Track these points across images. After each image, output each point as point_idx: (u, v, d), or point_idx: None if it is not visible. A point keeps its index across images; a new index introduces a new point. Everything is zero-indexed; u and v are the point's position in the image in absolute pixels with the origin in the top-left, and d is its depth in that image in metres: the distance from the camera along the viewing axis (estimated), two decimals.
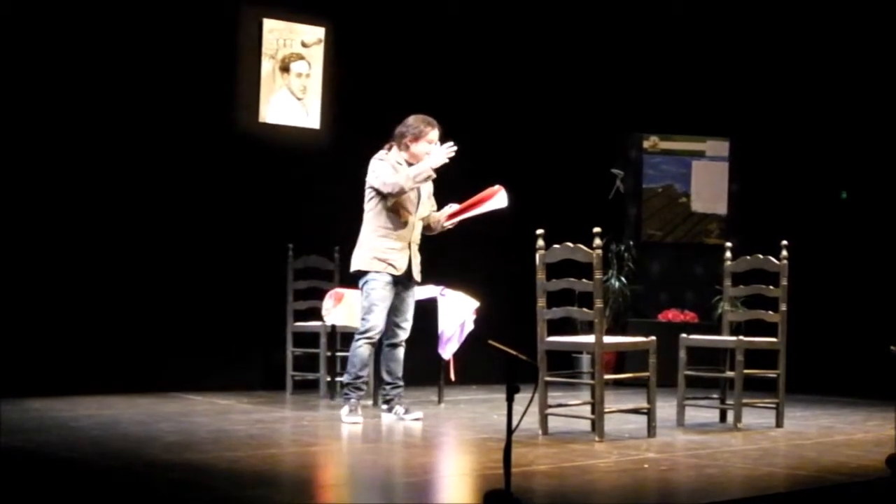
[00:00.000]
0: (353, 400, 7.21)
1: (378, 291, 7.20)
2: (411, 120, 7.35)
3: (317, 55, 9.64)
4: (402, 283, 7.31)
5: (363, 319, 7.26)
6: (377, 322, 7.22)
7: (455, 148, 7.19)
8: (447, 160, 7.19)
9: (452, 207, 7.42)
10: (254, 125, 9.41)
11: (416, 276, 7.37)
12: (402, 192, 7.19)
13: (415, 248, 7.37)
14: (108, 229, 8.66)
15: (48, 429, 6.63)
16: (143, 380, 8.63)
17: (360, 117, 9.78)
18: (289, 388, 8.95)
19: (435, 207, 7.51)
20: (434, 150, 7.21)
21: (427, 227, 7.48)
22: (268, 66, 9.44)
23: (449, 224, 7.48)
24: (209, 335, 8.97)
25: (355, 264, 7.32)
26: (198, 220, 9.04)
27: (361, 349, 7.22)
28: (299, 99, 9.59)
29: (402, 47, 10.05)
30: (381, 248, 7.23)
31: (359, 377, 7.23)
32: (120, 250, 8.71)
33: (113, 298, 8.64)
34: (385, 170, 7.25)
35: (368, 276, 7.24)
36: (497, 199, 7.36)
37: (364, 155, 9.65)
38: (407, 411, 7.39)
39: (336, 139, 9.73)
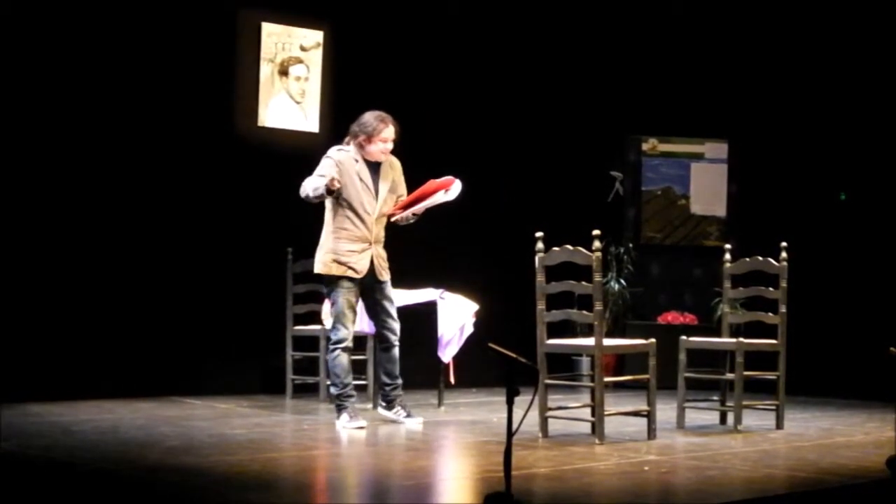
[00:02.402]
0: (348, 408, 7.15)
1: (343, 298, 7.10)
2: (365, 118, 7.19)
3: (315, 59, 9.65)
4: (368, 285, 7.20)
5: (334, 328, 7.17)
6: (349, 328, 7.14)
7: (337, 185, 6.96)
8: (335, 185, 6.92)
9: (403, 199, 7.24)
10: (253, 129, 9.41)
11: (381, 275, 7.22)
12: (306, 199, 7.07)
13: (377, 247, 7.19)
14: (108, 233, 8.66)
15: (48, 433, 6.63)
16: (143, 384, 8.62)
17: None
18: (288, 392, 8.94)
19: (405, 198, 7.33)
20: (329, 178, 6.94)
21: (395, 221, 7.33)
22: (266, 70, 9.44)
23: (405, 215, 7.23)
24: (209, 339, 8.96)
25: (316, 267, 7.22)
26: (197, 224, 9.04)
27: (340, 358, 7.14)
28: (298, 103, 9.59)
29: (400, 50, 10.05)
30: (339, 251, 7.11)
31: (346, 385, 7.16)
32: (120, 254, 8.71)
33: (113, 303, 8.64)
34: (322, 168, 7.10)
35: (331, 282, 7.14)
36: (450, 190, 7.16)
37: None
38: (409, 415, 7.37)
39: (335, 143, 9.70)
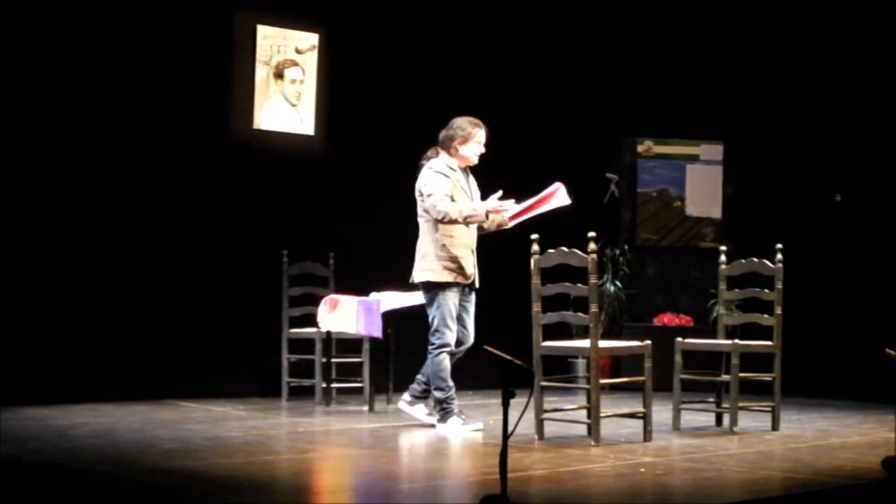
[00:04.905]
0: (456, 411, 7.19)
1: (450, 302, 7.17)
2: (458, 122, 7.28)
3: (311, 61, 9.64)
4: (464, 291, 7.30)
5: (438, 332, 7.18)
6: (452, 333, 7.19)
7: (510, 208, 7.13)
8: (500, 215, 7.14)
9: (514, 207, 7.29)
10: (248, 131, 9.40)
11: (477, 282, 7.35)
12: (450, 222, 7.10)
13: (475, 253, 7.33)
14: (103, 236, 8.66)
15: (44, 437, 6.63)
16: (139, 387, 8.62)
17: (355, 123, 9.79)
18: (284, 395, 8.94)
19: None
20: (491, 201, 7.08)
21: (480, 227, 7.40)
22: (262, 73, 9.44)
23: (510, 224, 7.38)
24: (204, 342, 8.96)
25: (424, 276, 7.22)
26: (193, 226, 9.03)
27: (445, 361, 7.17)
28: (293, 105, 9.59)
29: (396, 53, 10.05)
30: (449, 257, 7.18)
31: (451, 387, 7.20)
32: (115, 257, 8.70)
33: (108, 306, 8.63)
34: (439, 187, 7.11)
35: (440, 288, 7.18)
36: (557, 196, 7.28)
37: (359, 160, 9.67)
38: (430, 414, 7.39)
39: (330, 145, 9.73)
